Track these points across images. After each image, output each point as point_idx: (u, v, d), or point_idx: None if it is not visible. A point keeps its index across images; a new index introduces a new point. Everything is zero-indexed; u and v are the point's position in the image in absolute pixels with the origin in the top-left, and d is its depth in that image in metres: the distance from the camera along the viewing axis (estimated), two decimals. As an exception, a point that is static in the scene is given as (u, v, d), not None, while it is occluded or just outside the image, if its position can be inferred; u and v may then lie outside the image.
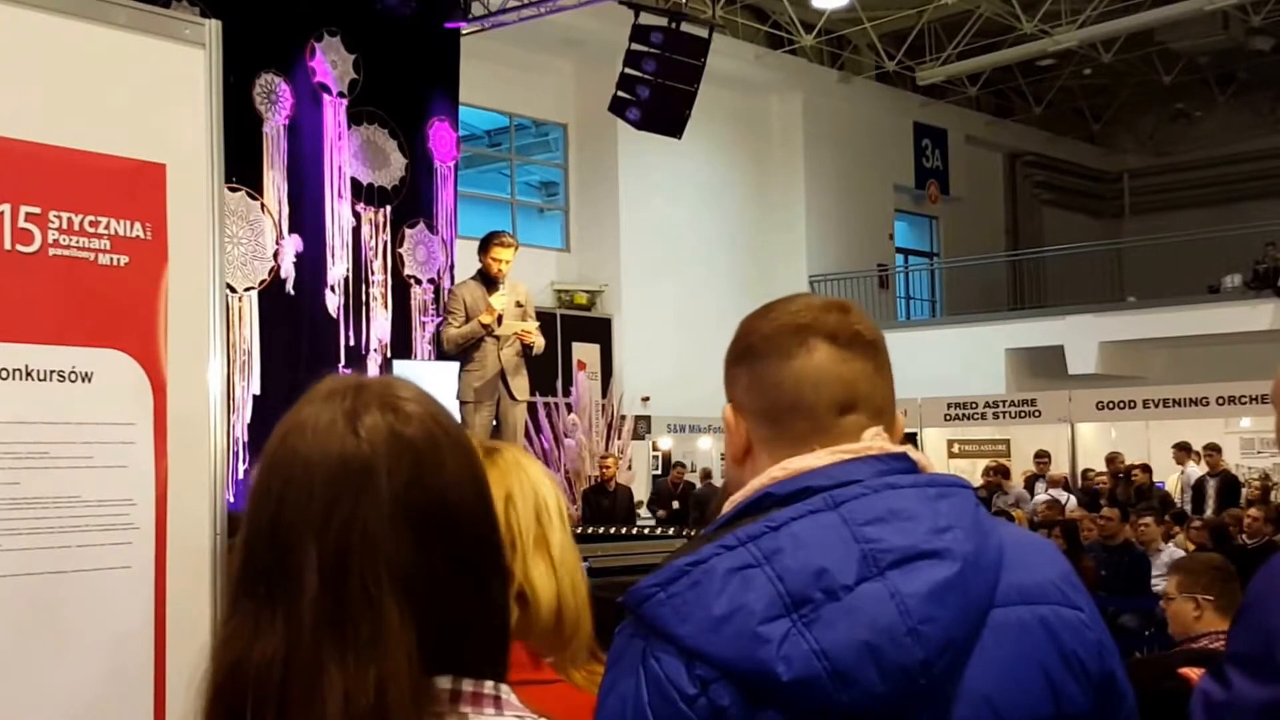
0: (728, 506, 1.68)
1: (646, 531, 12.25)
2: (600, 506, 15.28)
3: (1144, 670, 5.03)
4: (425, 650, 1.32)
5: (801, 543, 1.53)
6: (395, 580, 1.31)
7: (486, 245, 9.45)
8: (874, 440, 1.67)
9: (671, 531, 11.06)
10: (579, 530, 11.75)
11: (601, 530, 11.27)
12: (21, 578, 2.91)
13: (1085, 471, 19.49)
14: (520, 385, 9.47)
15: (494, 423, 9.35)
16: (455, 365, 9.62)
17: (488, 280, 9.38)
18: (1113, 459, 18.64)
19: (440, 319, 9.49)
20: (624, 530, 11.59)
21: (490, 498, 1.44)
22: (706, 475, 19.67)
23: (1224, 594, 5.33)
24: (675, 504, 17.58)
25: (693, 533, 8.23)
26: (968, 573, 1.55)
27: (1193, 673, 3.69)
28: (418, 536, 1.34)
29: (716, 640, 1.49)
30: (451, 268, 15.02)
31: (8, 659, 2.89)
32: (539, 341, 9.39)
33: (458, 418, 9.35)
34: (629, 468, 18.65)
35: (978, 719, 1.57)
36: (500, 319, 9.26)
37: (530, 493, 2.01)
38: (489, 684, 1.37)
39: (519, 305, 9.47)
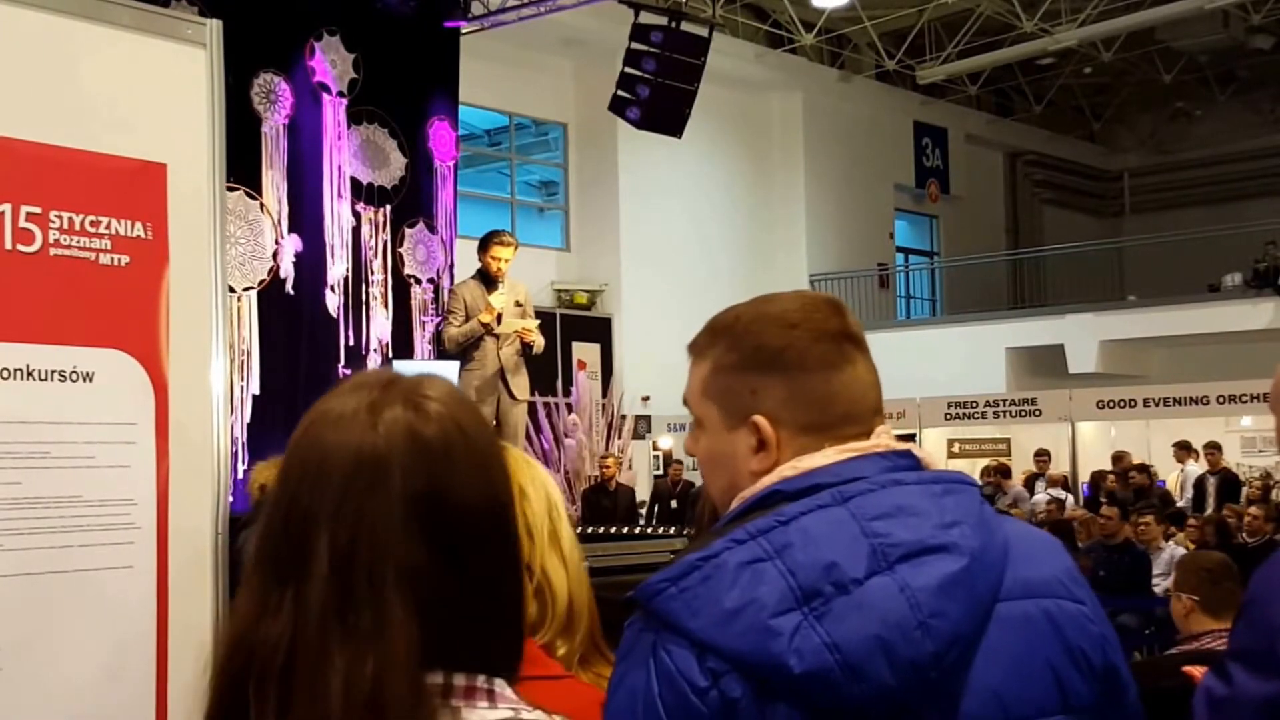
0: (736, 502, 1.68)
1: (648, 531, 12.24)
2: (601, 506, 15.28)
3: (1146, 669, 5.04)
4: (428, 646, 1.33)
5: (811, 537, 1.54)
6: (400, 576, 1.33)
7: (486, 244, 9.47)
8: (880, 438, 1.69)
9: (673, 531, 11.04)
10: (580, 530, 11.77)
11: (602, 530, 11.26)
12: (23, 577, 2.92)
13: (1095, 474, 19.42)
14: (520, 384, 9.49)
15: (494, 422, 9.34)
16: (455, 364, 9.63)
17: (487, 280, 9.41)
18: (1119, 458, 18.62)
19: (441, 318, 9.49)
20: (625, 530, 11.58)
21: (510, 500, 1.45)
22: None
23: (1212, 594, 5.34)
24: (674, 503, 17.56)
25: (692, 532, 8.24)
26: (975, 567, 1.56)
27: (1196, 670, 3.69)
28: (426, 536, 1.35)
29: (728, 633, 1.49)
30: (451, 267, 15.01)
31: (9, 658, 2.89)
32: (539, 340, 9.39)
33: None
34: (629, 467, 18.64)
35: (985, 712, 1.58)
36: (500, 318, 9.27)
37: (541, 488, 2.04)
38: (481, 677, 1.37)
39: (518, 305, 9.49)
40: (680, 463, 19.23)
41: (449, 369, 10.03)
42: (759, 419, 1.69)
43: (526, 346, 9.44)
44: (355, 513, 1.34)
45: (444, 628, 1.35)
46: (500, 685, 1.39)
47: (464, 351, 9.41)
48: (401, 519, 1.35)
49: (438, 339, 12.36)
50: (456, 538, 1.38)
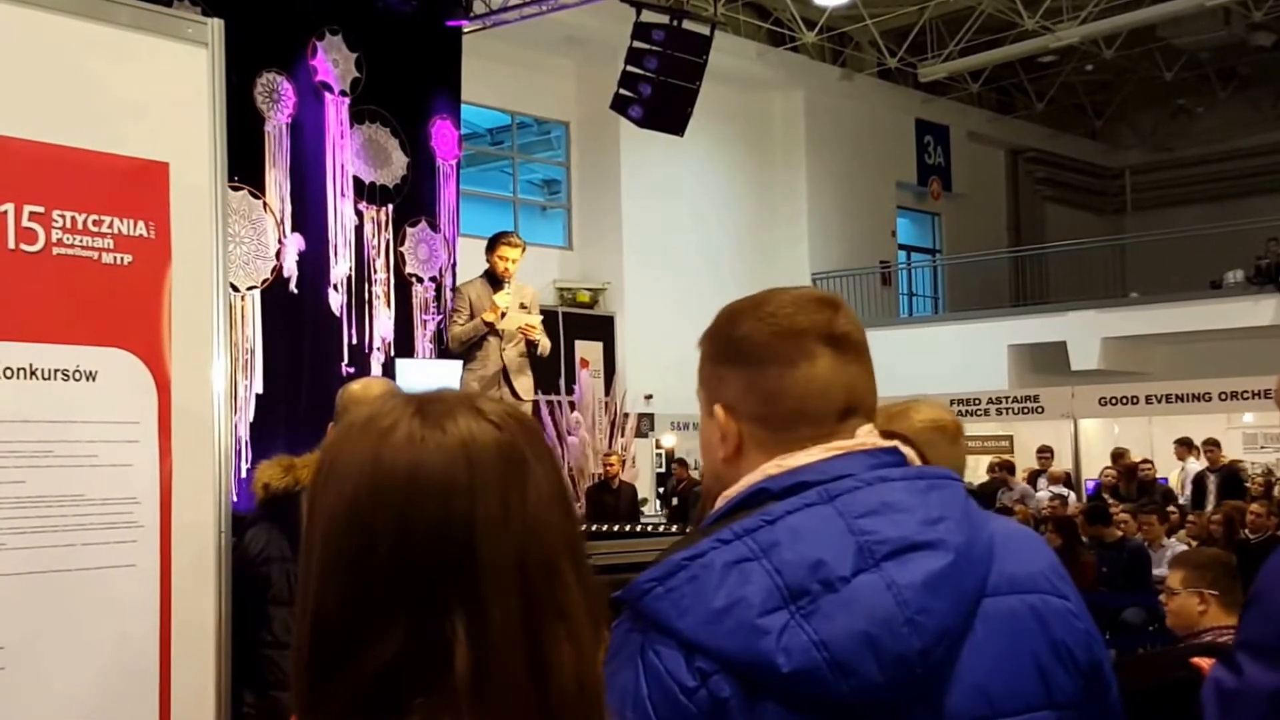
0: (720, 502, 1.69)
1: (650, 529, 12.26)
2: (604, 504, 15.29)
3: (1154, 662, 5.01)
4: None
5: (798, 536, 1.54)
6: (570, 553, 1.29)
7: (494, 244, 9.51)
8: (866, 436, 1.70)
9: (675, 528, 11.06)
10: (584, 528, 11.77)
11: (606, 528, 11.28)
12: (27, 576, 2.92)
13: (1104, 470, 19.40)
14: (524, 385, 9.50)
15: None
16: (458, 363, 9.65)
17: (494, 279, 9.43)
18: (1119, 455, 18.62)
19: (444, 317, 9.53)
20: (628, 528, 11.60)
21: None
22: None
23: (1230, 589, 5.30)
24: (675, 500, 17.57)
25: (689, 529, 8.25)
26: (961, 563, 1.57)
27: (1204, 662, 3.70)
28: (566, 510, 1.33)
29: (716, 633, 1.50)
30: (453, 266, 14.99)
31: (15, 656, 2.90)
32: (544, 341, 9.40)
33: None
34: (633, 465, 18.65)
35: (971, 707, 1.59)
36: (504, 316, 9.24)
37: None
38: None
39: (523, 307, 9.52)
40: (684, 462, 19.24)
41: (451, 367, 10.04)
42: (717, 407, 1.74)
43: (532, 346, 9.42)
44: (519, 502, 1.26)
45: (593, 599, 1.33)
46: None
47: (467, 350, 9.42)
48: (552, 497, 1.29)
49: (439, 337, 12.37)
50: (574, 511, 1.36)
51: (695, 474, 19.26)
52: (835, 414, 1.69)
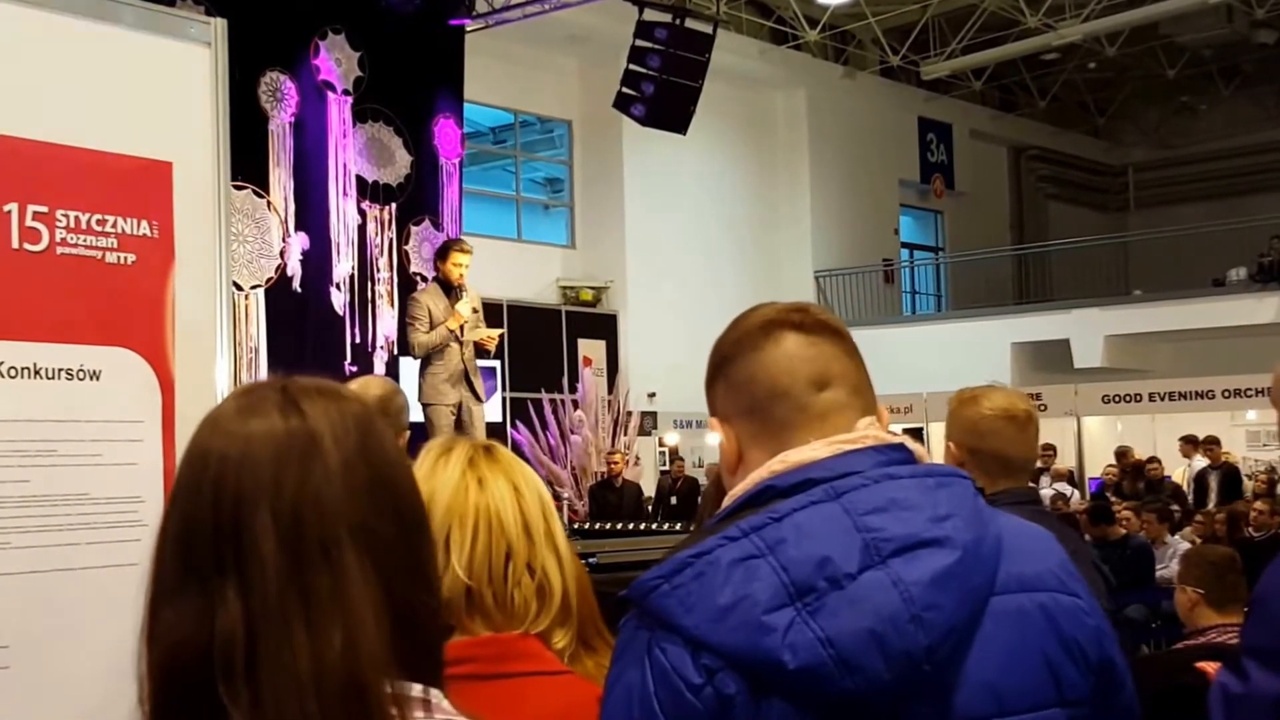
0: (728, 500, 1.69)
1: (654, 527, 12.27)
2: (608, 502, 15.31)
3: (1159, 665, 5.03)
4: (390, 616, 1.31)
5: (804, 533, 1.54)
6: (356, 540, 1.31)
7: (446, 253, 10.00)
8: (869, 430, 1.69)
9: (679, 526, 11.07)
10: (588, 526, 11.80)
11: (609, 526, 11.29)
12: (31, 575, 2.93)
13: (1106, 469, 19.40)
14: (479, 384, 9.94)
15: (459, 421, 9.62)
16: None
17: (447, 287, 9.84)
18: (1124, 453, 18.60)
19: (407, 326, 9.94)
20: (631, 526, 11.61)
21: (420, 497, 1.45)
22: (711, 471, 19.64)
23: (1216, 589, 5.33)
24: (674, 499, 17.55)
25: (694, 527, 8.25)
26: (968, 560, 1.56)
27: (1209, 666, 3.70)
28: (370, 500, 1.34)
29: (722, 630, 1.50)
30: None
31: (18, 655, 2.90)
32: (492, 341, 9.92)
33: (424, 419, 9.59)
34: (636, 463, 18.65)
35: (979, 706, 1.58)
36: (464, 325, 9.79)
37: (534, 485, 2.04)
38: (417, 687, 1.35)
39: (475, 311, 9.95)
40: (682, 459, 19.23)
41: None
42: (712, 419, 1.78)
43: (483, 350, 9.96)
44: (297, 485, 1.31)
45: (401, 600, 1.33)
46: (436, 695, 1.36)
47: (427, 355, 9.86)
48: (344, 484, 1.33)
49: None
50: (396, 503, 1.37)
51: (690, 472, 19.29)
52: (808, 385, 1.70)
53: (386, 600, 1.31)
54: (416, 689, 1.34)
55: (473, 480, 1.98)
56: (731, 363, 1.74)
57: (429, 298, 9.84)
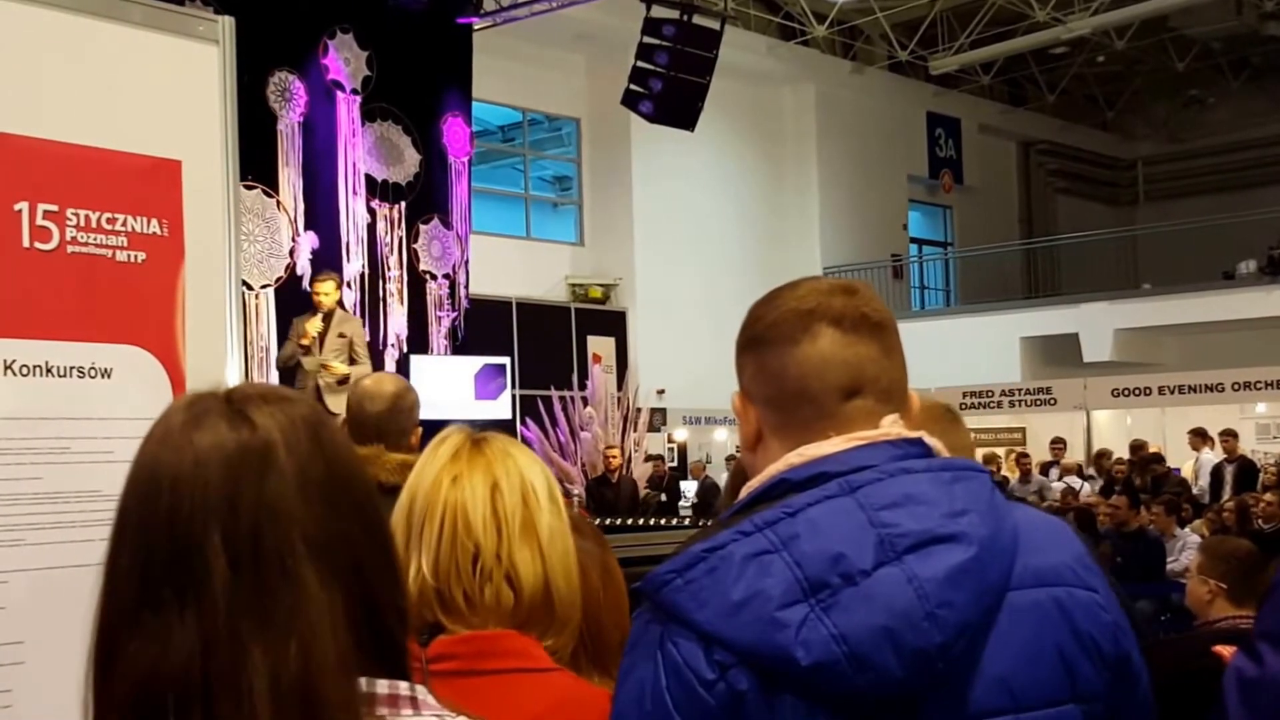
0: (743, 493, 1.68)
1: (648, 522, 12.22)
2: (604, 498, 15.29)
3: (1175, 649, 4.99)
4: (351, 620, 1.28)
5: (818, 528, 1.53)
6: (312, 548, 1.28)
7: (312, 283, 11.15)
8: (891, 427, 1.67)
9: (674, 522, 11.03)
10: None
11: (606, 521, 11.23)
12: (46, 571, 2.94)
13: (1099, 454, 19.39)
14: (335, 402, 10.27)
15: None
16: (468, 360, 10.11)
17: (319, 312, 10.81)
18: (1139, 447, 18.58)
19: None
20: (626, 521, 11.55)
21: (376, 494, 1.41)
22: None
23: (1239, 583, 5.27)
24: (664, 496, 17.54)
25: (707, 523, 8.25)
26: (984, 556, 1.55)
27: (1225, 650, 3.69)
28: (329, 505, 1.31)
29: (735, 625, 1.49)
30: (466, 263, 15.03)
31: (32, 652, 2.92)
32: (343, 372, 10.55)
33: None
34: (645, 460, 18.65)
35: (994, 702, 1.57)
36: (320, 343, 10.67)
37: (517, 478, 1.97)
38: (404, 685, 1.33)
39: (341, 336, 10.79)
40: (662, 458, 19.24)
41: (469, 364, 10.32)
42: (734, 393, 1.76)
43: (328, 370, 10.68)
44: (252, 501, 1.27)
45: (365, 602, 1.30)
46: (422, 692, 1.34)
47: (292, 371, 10.86)
48: (300, 493, 1.29)
49: (455, 334, 12.95)
50: (357, 506, 1.34)
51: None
52: (837, 393, 1.67)
53: (347, 603, 1.27)
54: (403, 687, 1.32)
55: (447, 477, 1.94)
56: (764, 346, 1.71)
57: (302, 319, 10.81)
